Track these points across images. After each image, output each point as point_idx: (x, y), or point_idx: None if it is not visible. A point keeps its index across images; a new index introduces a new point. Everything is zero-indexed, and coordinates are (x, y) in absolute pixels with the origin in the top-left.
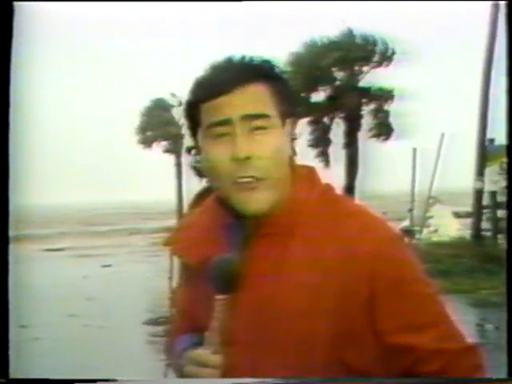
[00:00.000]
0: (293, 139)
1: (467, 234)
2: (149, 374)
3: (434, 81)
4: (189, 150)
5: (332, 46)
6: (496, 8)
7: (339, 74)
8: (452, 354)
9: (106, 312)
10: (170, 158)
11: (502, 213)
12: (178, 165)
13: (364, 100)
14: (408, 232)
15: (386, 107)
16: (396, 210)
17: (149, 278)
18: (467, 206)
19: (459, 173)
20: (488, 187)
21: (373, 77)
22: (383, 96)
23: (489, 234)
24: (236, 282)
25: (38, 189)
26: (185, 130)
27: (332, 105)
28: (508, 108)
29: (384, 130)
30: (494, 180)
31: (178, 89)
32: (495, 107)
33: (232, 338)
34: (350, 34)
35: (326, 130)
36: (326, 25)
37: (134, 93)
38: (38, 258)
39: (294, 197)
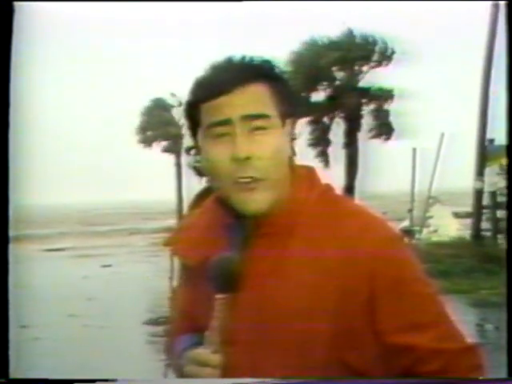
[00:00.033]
0: (292, 139)
1: (467, 234)
2: (149, 373)
3: (434, 81)
4: (189, 150)
5: (332, 45)
6: (496, 8)
7: (339, 74)
8: (452, 353)
9: (106, 312)
10: (170, 158)
11: (501, 213)
12: (178, 165)
13: (364, 100)
14: (408, 232)
15: (385, 107)
16: (396, 209)
17: (149, 278)
18: (467, 206)
19: (459, 173)
20: (488, 187)
21: (373, 77)
22: (383, 96)
23: (489, 234)
24: (236, 281)
25: (38, 189)
26: (185, 130)
27: (332, 105)
28: (508, 108)
29: (385, 129)
30: (494, 180)
31: (178, 89)
32: (495, 107)
33: (232, 338)
34: (349, 34)
35: (326, 129)
36: (326, 25)
37: (133, 93)
38: (38, 257)
39: (294, 197)
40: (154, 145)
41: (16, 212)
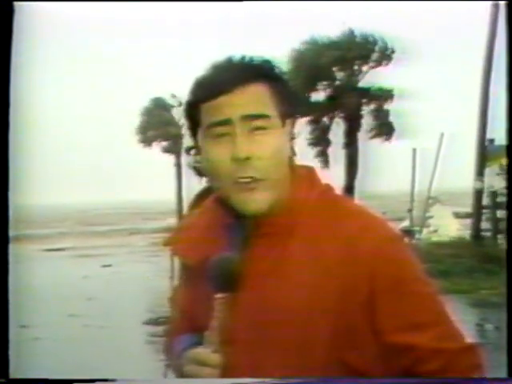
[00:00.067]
0: (292, 139)
1: (467, 234)
2: (149, 374)
3: (434, 81)
4: (189, 150)
5: (332, 45)
6: (496, 8)
7: (339, 74)
8: (451, 353)
9: (106, 312)
10: (170, 158)
11: (501, 213)
12: (178, 165)
13: (364, 100)
14: (408, 232)
15: (385, 107)
16: (396, 209)
17: (149, 277)
18: (467, 206)
19: (459, 173)
20: (488, 187)
21: (372, 76)
22: (383, 96)
23: (489, 234)
24: (235, 281)
25: (38, 189)
26: (185, 130)
27: (332, 104)
28: (508, 108)
29: (385, 129)
30: (494, 180)
31: (178, 89)
32: (495, 107)
33: (232, 338)
34: (349, 34)
35: (326, 129)
36: (326, 25)
37: (133, 93)
38: (38, 257)
39: (294, 197)
40: (154, 145)
41: (16, 212)
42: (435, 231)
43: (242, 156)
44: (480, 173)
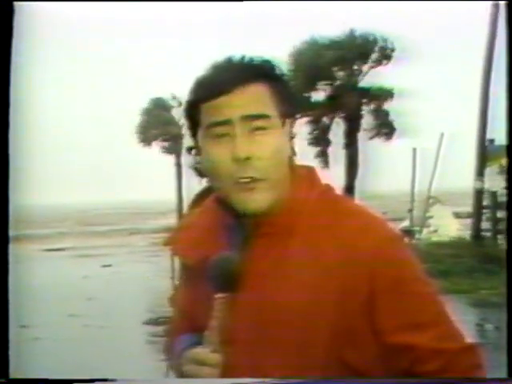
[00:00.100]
0: (292, 138)
1: (467, 234)
2: (149, 373)
3: (434, 81)
4: (189, 150)
5: (331, 44)
6: (496, 8)
7: (339, 74)
8: (451, 353)
9: (106, 312)
10: (170, 158)
11: (501, 213)
12: (178, 165)
13: (364, 100)
14: (408, 232)
15: (386, 107)
16: (396, 209)
17: (149, 277)
18: (467, 206)
19: (459, 173)
20: (488, 187)
21: (373, 76)
22: (383, 95)
23: (489, 234)
24: (235, 281)
25: (38, 189)
26: (185, 130)
27: (332, 104)
28: (508, 108)
29: (386, 129)
30: (494, 180)
31: (178, 89)
32: (495, 107)
33: (231, 337)
34: (349, 33)
35: (326, 129)
36: (326, 25)
37: (133, 93)
38: (38, 257)
39: (294, 197)
40: (154, 145)
41: (16, 212)
42: (435, 231)
43: (242, 156)
44: (480, 173)
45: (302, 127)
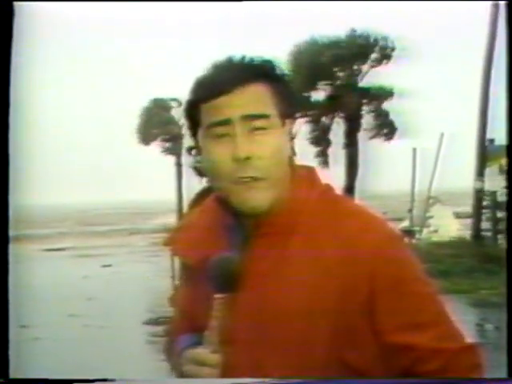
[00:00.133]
0: (292, 139)
1: (467, 234)
2: (149, 373)
3: (434, 81)
4: (189, 150)
5: (331, 44)
6: (496, 8)
7: (339, 74)
8: (451, 353)
9: (106, 312)
10: (170, 158)
11: (501, 213)
12: (178, 165)
13: (364, 100)
14: (408, 232)
15: (386, 106)
16: (396, 209)
17: (149, 277)
18: (467, 206)
19: (459, 173)
20: (488, 187)
21: (373, 76)
22: (383, 95)
23: (489, 234)
24: (235, 281)
25: (38, 189)
26: (185, 130)
27: (332, 104)
28: (508, 108)
29: (387, 129)
30: (494, 180)
31: (178, 89)
32: (495, 107)
33: (231, 337)
34: (350, 33)
35: (326, 129)
36: (326, 25)
37: (133, 93)
38: (38, 257)
39: (294, 197)
40: (154, 144)
41: (16, 212)
42: (435, 231)
43: (242, 156)
44: (480, 173)
45: (302, 127)
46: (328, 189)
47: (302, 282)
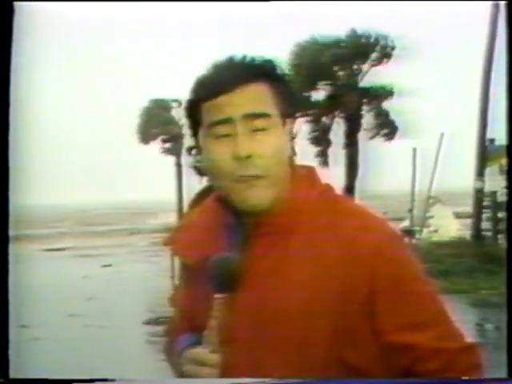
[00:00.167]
0: (292, 138)
1: (467, 234)
2: (149, 373)
3: (434, 80)
4: (189, 150)
5: (331, 43)
6: (496, 8)
7: (339, 73)
8: (451, 352)
9: (106, 312)
10: (170, 158)
11: (501, 213)
12: (178, 165)
13: (365, 100)
14: (408, 232)
15: (386, 106)
16: (396, 209)
17: (149, 277)
18: (467, 206)
19: (459, 173)
20: (488, 187)
21: (373, 75)
22: (383, 95)
23: (489, 234)
24: (235, 281)
25: (38, 189)
26: (185, 130)
27: (332, 104)
28: (508, 108)
29: (388, 129)
30: (494, 180)
31: (178, 89)
32: (495, 107)
33: (231, 337)
34: (349, 32)
35: (327, 129)
36: (326, 25)
37: (133, 93)
38: (38, 257)
39: (294, 196)
40: (155, 144)
41: (16, 212)
42: (435, 231)
43: (243, 154)
44: (480, 173)
45: (302, 127)
46: (328, 189)
47: (301, 281)
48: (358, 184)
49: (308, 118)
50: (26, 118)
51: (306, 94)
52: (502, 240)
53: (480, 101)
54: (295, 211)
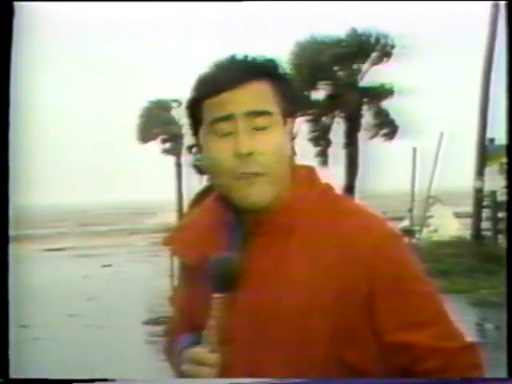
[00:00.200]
0: (292, 138)
1: (467, 233)
2: (149, 373)
3: (434, 80)
4: (189, 149)
5: (332, 43)
6: (496, 8)
7: (340, 73)
8: (451, 352)
9: (106, 312)
10: (170, 158)
11: (501, 213)
12: (178, 165)
13: (365, 99)
14: (408, 232)
15: (386, 106)
16: (396, 209)
17: (149, 277)
18: (467, 206)
19: (459, 172)
20: (488, 187)
21: (373, 75)
22: (383, 94)
23: (489, 233)
24: (234, 281)
25: (38, 189)
26: (185, 130)
27: (332, 104)
28: (508, 107)
29: (388, 128)
30: (494, 180)
31: (178, 89)
32: (495, 107)
33: (230, 337)
34: (349, 31)
35: (327, 129)
36: (326, 25)
37: (134, 93)
38: (38, 257)
39: (294, 196)
40: (155, 144)
41: (16, 212)
42: (435, 231)
43: (244, 151)
44: (480, 172)
45: (302, 126)
46: (328, 188)
47: (301, 281)
48: (357, 184)
49: (308, 118)
50: (26, 118)
51: (306, 94)
52: (501, 240)
53: (480, 100)
54: (295, 211)
